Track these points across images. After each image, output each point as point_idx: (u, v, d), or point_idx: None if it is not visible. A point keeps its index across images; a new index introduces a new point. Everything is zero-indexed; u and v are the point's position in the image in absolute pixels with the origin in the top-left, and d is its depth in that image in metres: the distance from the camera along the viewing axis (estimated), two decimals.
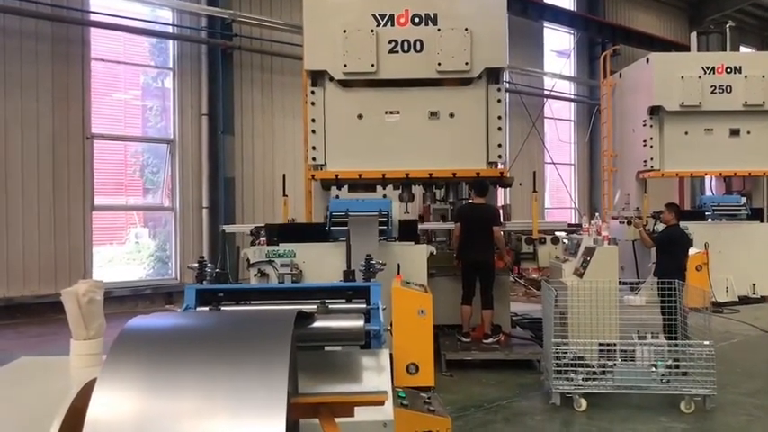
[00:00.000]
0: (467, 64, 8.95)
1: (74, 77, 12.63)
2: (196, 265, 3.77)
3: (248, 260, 8.06)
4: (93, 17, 12.96)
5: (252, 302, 3.47)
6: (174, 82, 14.09)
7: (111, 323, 2.67)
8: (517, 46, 20.07)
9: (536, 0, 20.09)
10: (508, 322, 9.24)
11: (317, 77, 9.29)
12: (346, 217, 7.77)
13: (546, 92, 21.14)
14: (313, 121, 9.22)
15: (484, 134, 9.01)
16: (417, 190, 9.95)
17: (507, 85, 19.52)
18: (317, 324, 2.76)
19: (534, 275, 13.42)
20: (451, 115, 9.02)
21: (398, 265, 7.68)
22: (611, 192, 15.37)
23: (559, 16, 21.11)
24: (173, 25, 14.09)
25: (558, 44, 22.56)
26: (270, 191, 14.80)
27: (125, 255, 14.18)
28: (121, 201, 13.84)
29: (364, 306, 3.39)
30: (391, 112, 9.06)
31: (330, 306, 3.12)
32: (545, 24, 21.41)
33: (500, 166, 9.09)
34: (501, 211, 9.96)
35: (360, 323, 3.00)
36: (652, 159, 14.05)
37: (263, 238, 8.22)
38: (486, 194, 8.67)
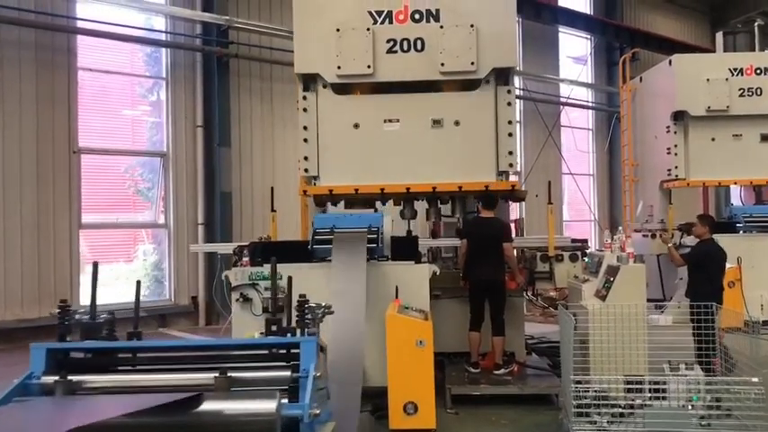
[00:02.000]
0: (473, 64, 8.10)
1: (59, 88, 11.94)
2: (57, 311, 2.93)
3: (230, 283, 7.30)
4: (80, 24, 12.29)
5: (131, 367, 2.57)
6: (168, 92, 13.40)
7: None
8: (531, 51, 19.34)
9: (550, 3, 19.24)
10: (522, 349, 8.32)
11: (309, 81, 8.51)
12: (332, 234, 6.97)
13: (562, 99, 20.24)
14: (305, 128, 8.43)
15: (493, 143, 8.13)
16: (421, 206, 9.07)
17: (521, 93, 18.75)
18: (206, 407, 1.88)
19: (552, 294, 12.49)
20: (457, 123, 8.14)
21: (396, 288, 6.86)
22: (634, 203, 14.41)
23: (575, 20, 20.24)
24: (166, 32, 13.41)
25: (575, 49, 21.69)
26: (270, 206, 14.02)
27: (131, 273, 13.43)
28: (112, 218, 13.10)
29: (288, 374, 2.45)
30: (390, 121, 8.22)
31: (235, 376, 2.22)
32: (560, 29, 20.56)
33: (512, 177, 8.19)
34: (513, 226, 9.06)
35: (271, 405, 2.08)
36: (676, 168, 13.07)
37: (246, 258, 7.42)
38: (495, 207, 7.79)
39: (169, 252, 13.31)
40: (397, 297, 6.80)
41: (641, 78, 14.74)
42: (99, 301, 12.34)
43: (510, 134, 8.25)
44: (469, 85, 8.37)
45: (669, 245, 8.64)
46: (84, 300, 12.22)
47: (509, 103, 8.32)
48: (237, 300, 7.15)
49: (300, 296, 2.97)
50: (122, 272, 13.38)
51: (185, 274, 13.20)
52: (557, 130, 19.61)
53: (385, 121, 8.18)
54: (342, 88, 8.34)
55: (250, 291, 7.14)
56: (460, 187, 8.01)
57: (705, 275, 7.58)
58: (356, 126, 8.18)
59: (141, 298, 13.61)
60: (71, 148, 12.04)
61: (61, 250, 11.89)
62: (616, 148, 19.23)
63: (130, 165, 13.64)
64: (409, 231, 8.59)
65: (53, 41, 11.87)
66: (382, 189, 7.94)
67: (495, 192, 7.85)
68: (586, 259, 8.03)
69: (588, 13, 21.28)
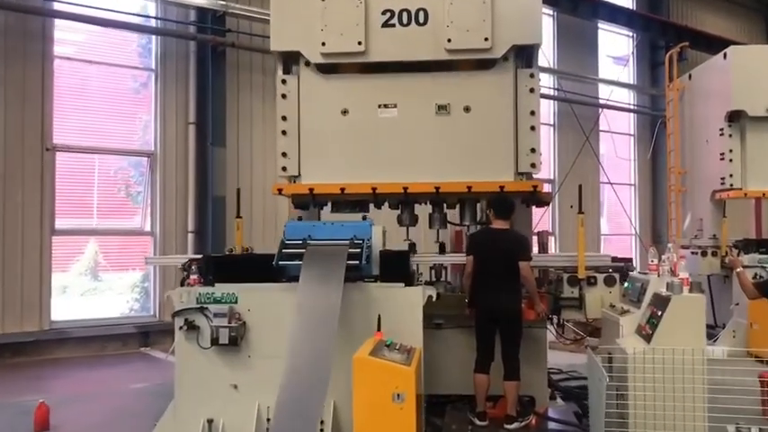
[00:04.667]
0: (486, 40, 6.62)
1: (32, 79, 10.85)
2: None
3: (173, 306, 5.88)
4: (57, 7, 11.13)
5: None
6: (157, 85, 12.23)
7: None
8: (567, 48, 17.90)
9: None
10: (544, 393, 6.70)
11: (290, 61, 7.09)
12: (304, 247, 5.54)
13: (601, 101, 18.57)
14: (284, 119, 7.01)
15: (512, 133, 6.64)
16: (424, 209, 7.56)
17: (555, 92, 17.21)
18: None
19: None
20: (467, 109, 6.71)
21: (378, 317, 5.37)
22: (681, 216, 12.74)
23: (616, 15, 18.57)
24: (155, 18, 12.21)
25: (615, 48, 20.04)
26: (270, 212, 12.76)
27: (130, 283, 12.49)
28: (90, 223, 11.85)
29: None
30: (386, 106, 6.81)
31: None
32: (599, 25, 19.00)
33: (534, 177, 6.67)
34: (535, 240, 7.49)
35: None
36: (731, 176, 11.45)
37: (195, 276, 5.99)
38: (511, 216, 6.25)
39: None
40: (379, 329, 5.31)
41: (690, 75, 13.09)
42: (91, 315, 11.34)
43: (533, 127, 6.75)
44: (483, 66, 6.91)
45: (738, 270, 6.70)
46: (57, 315, 11.00)
47: (532, 90, 6.82)
48: (181, 327, 5.72)
49: None
50: (128, 281, 12.43)
51: (173, 286, 11.85)
52: (594, 135, 17.99)
53: (380, 107, 6.83)
54: (328, 67, 6.93)
55: (197, 317, 5.71)
56: (470, 188, 6.53)
57: None
58: (344, 112, 6.83)
59: (126, 314, 12.32)
60: (44, 145, 10.92)
61: (30, 259, 10.71)
62: (660, 156, 17.61)
63: (121, 166, 12.44)
64: (412, 244, 7.09)
65: (25, 26, 10.79)
66: (374, 189, 6.55)
67: (509, 197, 6.30)
68: (626, 284, 6.38)
69: (631, 8, 19.63)
